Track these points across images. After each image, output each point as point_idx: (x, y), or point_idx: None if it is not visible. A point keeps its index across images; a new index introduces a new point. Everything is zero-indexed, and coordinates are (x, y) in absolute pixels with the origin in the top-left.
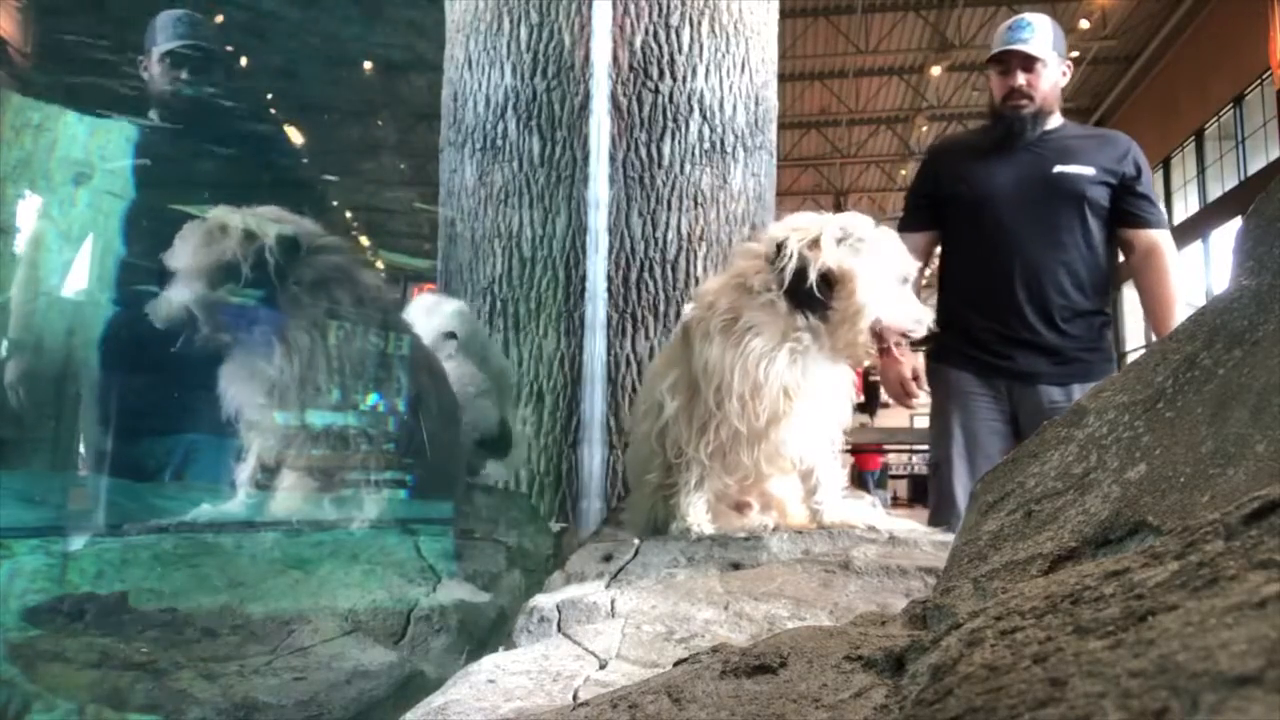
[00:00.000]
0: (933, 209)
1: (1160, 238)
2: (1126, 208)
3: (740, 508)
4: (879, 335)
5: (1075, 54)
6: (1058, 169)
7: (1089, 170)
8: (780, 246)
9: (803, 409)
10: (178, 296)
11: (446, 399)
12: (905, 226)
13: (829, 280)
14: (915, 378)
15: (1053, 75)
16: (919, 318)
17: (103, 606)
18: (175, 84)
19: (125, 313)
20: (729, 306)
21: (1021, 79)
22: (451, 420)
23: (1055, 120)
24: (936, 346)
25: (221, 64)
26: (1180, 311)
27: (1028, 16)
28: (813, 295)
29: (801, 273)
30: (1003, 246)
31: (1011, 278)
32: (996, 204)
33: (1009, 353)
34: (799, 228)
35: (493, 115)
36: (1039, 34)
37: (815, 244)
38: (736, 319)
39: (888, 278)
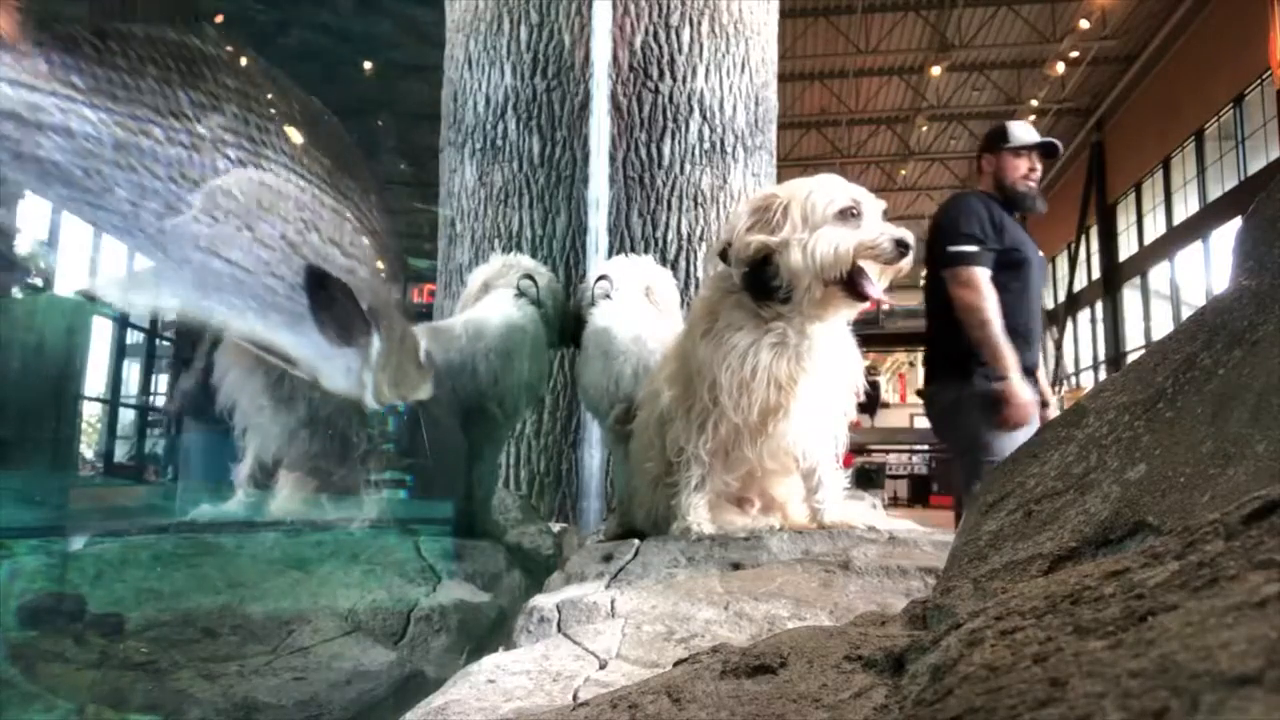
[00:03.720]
0: (993, 255)
1: None
2: None
3: (740, 503)
4: (846, 281)
5: (1075, 54)
6: (1039, 252)
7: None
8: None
9: (801, 401)
10: None
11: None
12: (983, 262)
13: (768, 261)
14: (1044, 404)
15: None
16: (874, 238)
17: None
18: None
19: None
20: (707, 311)
21: (1039, 165)
22: (449, 415)
23: None
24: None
25: None
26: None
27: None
28: (759, 283)
29: (748, 266)
30: (1034, 301)
31: (1037, 325)
32: (1033, 269)
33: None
34: (727, 226)
35: (493, 115)
36: None
37: (740, 234)
38: (716, 319)
39: (819, 224)
